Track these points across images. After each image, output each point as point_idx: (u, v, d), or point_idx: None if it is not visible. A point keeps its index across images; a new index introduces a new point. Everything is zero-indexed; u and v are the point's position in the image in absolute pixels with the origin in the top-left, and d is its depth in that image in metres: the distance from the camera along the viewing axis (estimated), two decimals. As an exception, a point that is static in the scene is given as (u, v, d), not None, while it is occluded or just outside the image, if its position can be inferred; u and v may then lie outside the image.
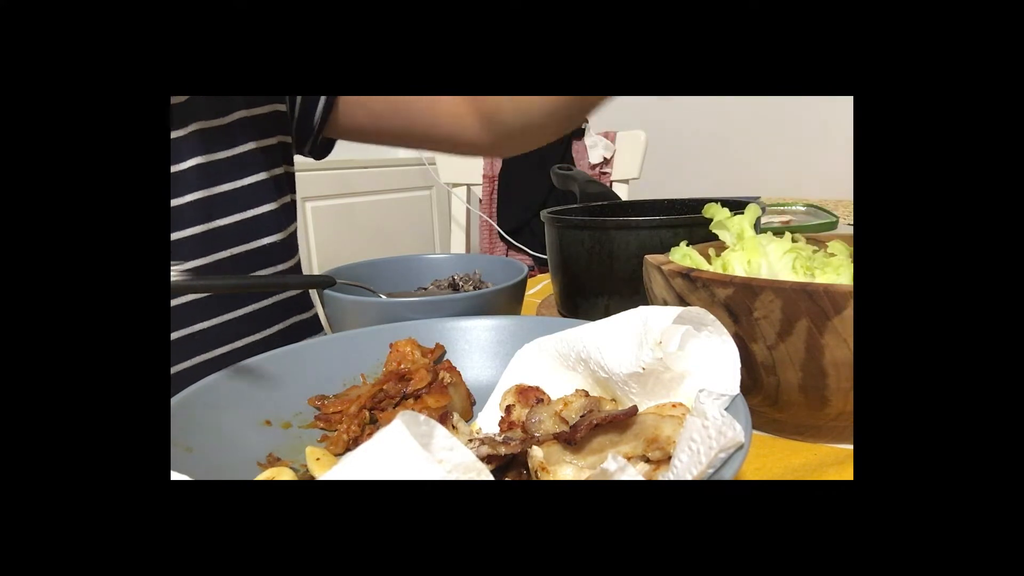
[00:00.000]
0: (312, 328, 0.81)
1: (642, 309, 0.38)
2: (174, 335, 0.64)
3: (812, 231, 1.05)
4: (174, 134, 0.64)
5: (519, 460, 0.35)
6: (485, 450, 0.33)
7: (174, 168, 0.64)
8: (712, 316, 0.35)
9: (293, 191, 0.76)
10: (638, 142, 1.57)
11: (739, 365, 0.34)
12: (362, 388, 0.46)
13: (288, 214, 0.74)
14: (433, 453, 0.25)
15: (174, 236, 0.63)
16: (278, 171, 0.73)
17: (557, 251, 0.70)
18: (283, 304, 0.75)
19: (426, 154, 2.04)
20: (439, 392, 0.44)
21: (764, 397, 0.43)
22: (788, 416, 0.43)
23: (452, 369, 0.46)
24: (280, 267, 0.73)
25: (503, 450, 0.33)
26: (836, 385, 0.39)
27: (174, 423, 0.34)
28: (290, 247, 0.75)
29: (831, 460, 0.41)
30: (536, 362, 0.44)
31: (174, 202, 0.64)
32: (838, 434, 0.43)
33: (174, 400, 0.37)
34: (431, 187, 2.44)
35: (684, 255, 0.50)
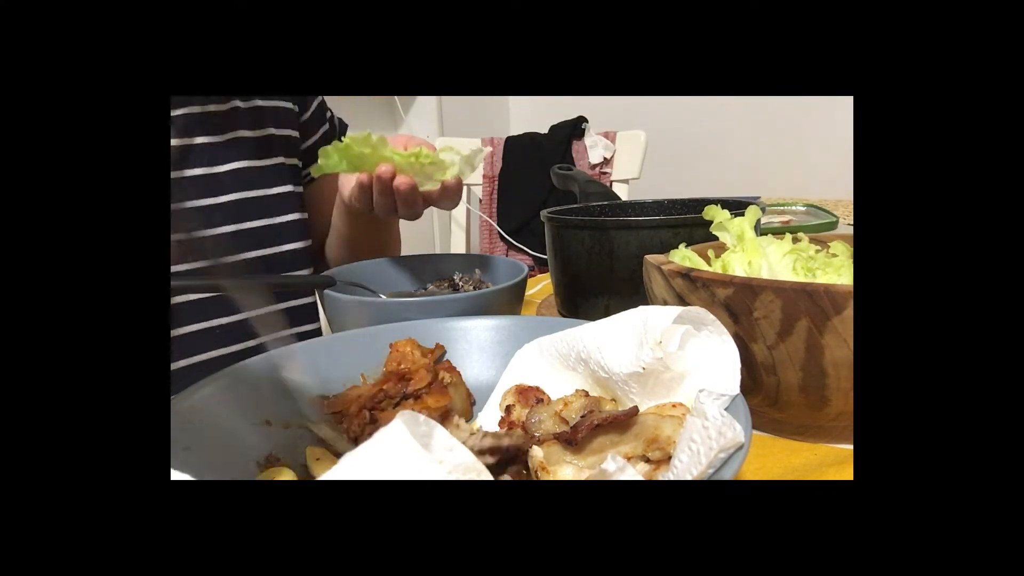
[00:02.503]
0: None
1: (642, 309, 0.38)
2: (179, 332, 0.66)
3: (812, 231, 1.05)
4: (217, 139, 0.69)
5: (519, 459, 0.35)
6: (489, 441, 0.33)
7: (213, 170, 0.69)
8: (712, 316, 0.35)
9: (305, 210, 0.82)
10: (638, 142, 1.56)
11: (739, 365, 0.34)
12: (362, 388, 0.46)
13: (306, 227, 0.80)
14: (433, 453, 0.25)
15: (207, 233, 0.68)
16: (300, 189, 0.79)
17: (557, 251, 0.70)
18: (289, 312, 0.78)
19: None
20: (439, 392, 0.44)
21: (764, 397, 0.43)
22: (788, 416, 0.43)
23: (452, 369, 0.46)
24: (303, 273, 0.79)
25: (506, 441, 0.33)
26: (836, 385, 0.39)
27: (174, 423, 0.34)
28: (307, 256, 0.79)
29: (831, 460, 0.41)
30: (536, 362, 0.44)
31: (210, 201, 0.68)
32: (838, 434, 0.43)
33: (174, 400, 0.37)
34: (431, 187, 2.42)
35: (684, 257, 0.50)
